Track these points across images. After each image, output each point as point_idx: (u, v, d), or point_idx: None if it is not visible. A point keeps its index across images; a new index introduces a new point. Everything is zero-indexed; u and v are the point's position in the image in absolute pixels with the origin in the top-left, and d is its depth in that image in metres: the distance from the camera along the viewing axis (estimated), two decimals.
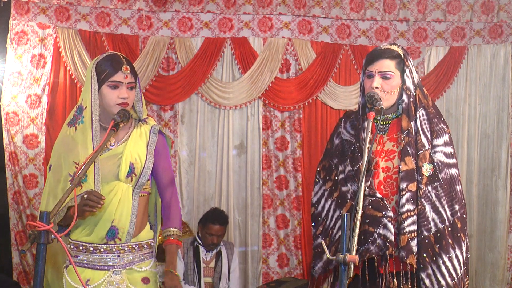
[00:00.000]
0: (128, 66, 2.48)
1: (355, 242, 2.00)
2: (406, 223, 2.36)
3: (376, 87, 2.41)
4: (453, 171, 2.45)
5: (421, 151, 2.42)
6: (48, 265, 2.62)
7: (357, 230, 2.01)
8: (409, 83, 2.45)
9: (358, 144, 2.50)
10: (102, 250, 2.45)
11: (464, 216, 2.46)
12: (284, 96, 5.25)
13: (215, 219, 4.42)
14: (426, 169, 2.41)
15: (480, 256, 5.36)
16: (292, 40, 5.26)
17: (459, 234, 2.42)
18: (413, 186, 2.39)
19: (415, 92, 2.46)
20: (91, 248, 2.45)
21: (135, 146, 2.51)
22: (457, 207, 2.43)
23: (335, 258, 1.91)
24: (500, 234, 5.30)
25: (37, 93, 4.89)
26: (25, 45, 4.86)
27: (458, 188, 2.44)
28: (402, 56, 2.46)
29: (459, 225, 2.43)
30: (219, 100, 5.22)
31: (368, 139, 2.23)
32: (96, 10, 5.02)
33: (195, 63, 5.14)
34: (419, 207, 2.38)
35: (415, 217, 2.38)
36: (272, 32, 5.24)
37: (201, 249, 4.42)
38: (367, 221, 2.36)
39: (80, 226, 2.48)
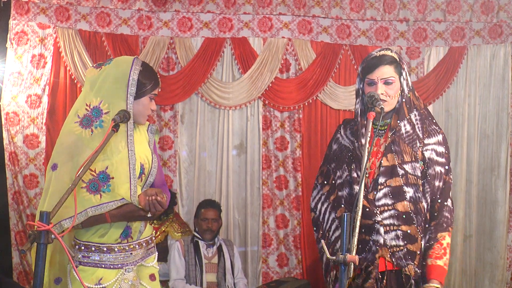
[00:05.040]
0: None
1: (355, 242, 2.00)
2: (382, 216, 2.44)
3: (381, 93, 2.47)
4: (439, 168, 2.51)
5: (415, 150, 2.49)
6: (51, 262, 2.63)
7: (357, 230, 2.01)
8: (404, 85, 2.52)
9: (355, 150, 2.58)
10: (116, 249, 2.47)
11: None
12: (284, 96, 5.26)
13: (206, 205, 4.63)
14: (418, 167, 2.48)
15: (479, 256, 5.36)
16: (292, 40, 5.26)
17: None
18: (392, 182, 2.45)
19: (408, 93, 2.53)
20: (105, 249, 2.46)
21: (141, 147, 2.53)
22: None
23: (334, 258, 1.91)
24: (500, 234, 5.31)
25: (37, 93, 4.90)
26: (25, 45, 4.86)
27: (437, 183, 2.50)
28: (398, 60, 2.53)
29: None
30: (219, 100, 5.22)
31: (368, 139, 2.24)
32: (96, 10, 5.02)
33: (195, 63, 5.14)
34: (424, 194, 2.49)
35: (392, 211, 2.44)
36: (272, 32, 5.24)
37: (201, 243, 4.44)
38: (363, 230, 2.43)
39: (92, 229, 2.46)
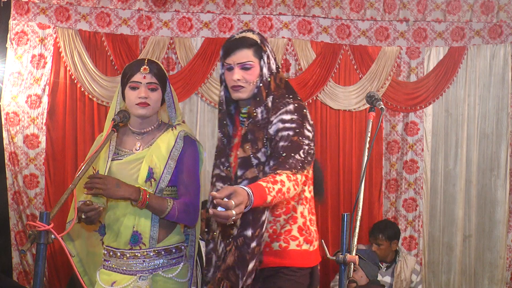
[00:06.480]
0: (148, 67, 2.49)
1: (355, 242, 2.00)
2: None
3: (238, 79, 2.30)
4: (286, 132, 2.20)
5: (265, 134, 2.26)
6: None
7: (357, 230, 2.01)
8: (265, 69, 2.33)
9: (224, 140, 2.43)
10: (128, 255, 2.46)
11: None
12: None
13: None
14: (265, 152, 2.25)
15: (479, 255, 5.36)
16: (292, 40, 5.26)
17: None
18: (248, 173, 2.24)
19: (269, 77, 2.33)
20: (118, 254, 2.47)
21: (157, 151, 2.49)
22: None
23: (334, 258, 1.91)
24: (499, 234, 5.31)
25: (37, 93, 4.90)
26: (25, 45, 4.86)
27: (281, 143, 2.18)
28: (259, 42, 2.34)
29: None
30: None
31: (368, 139, 2.22)
32: (96, 10, 5.02)
33: (195, 63, 5.14)
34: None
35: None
36: (272, 32, 5.24)
37: (202, 244, 4.45)
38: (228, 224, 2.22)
39: (108, 232, 2.52)
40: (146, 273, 2.46)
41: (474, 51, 5.36)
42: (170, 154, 2.49)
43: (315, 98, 5.29)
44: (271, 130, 2.23)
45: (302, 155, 2.16)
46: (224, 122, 2.44)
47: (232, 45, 2.32)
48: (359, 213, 2.06)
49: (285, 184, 2.06)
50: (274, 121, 2.24)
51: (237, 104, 2.42)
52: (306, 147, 2.18)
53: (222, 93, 2.44)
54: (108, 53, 5.02)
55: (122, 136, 2.57)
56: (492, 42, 5.34)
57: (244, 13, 5.20)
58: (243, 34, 2.35)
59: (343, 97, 5.31)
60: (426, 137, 5.39)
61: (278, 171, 2.08)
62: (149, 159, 2.47)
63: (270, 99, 2.30)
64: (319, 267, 2.46)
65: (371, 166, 5.34)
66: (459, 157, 5.34)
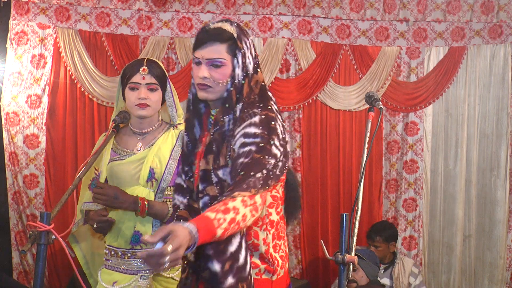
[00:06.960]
0: (147, 68, 2.50)
1: (354, 242, 2.00)
2: None
3: (205, 77, 1.97)
4: (248, 148, 1.89)
5: (228, 149, 1.96)
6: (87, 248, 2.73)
7: (356, 230, 2.01)
8: (238, 70, 1.98)
9: (189, 145, 2.11)
10: (129, 255, 2.48)
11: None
12: (284, 96, 5.26)
13: None
14: (230, 173, 1.96)
15: (478, 255, 5.37)
16: (292, 40, 5.26)
17: None
18: (210, 190, 1.97)
19: (243, 80, 1.99)
20: (120, 253, 2.49)
21: (159, 151, 2.51)
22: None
23: (333, 258, 1.91)
24: (499, 234, 5.31)
25: (37, 93, 4.90)
26: (25, 45, 4.86)
27: (241, 160, 1.88)
28: (236, 36, 1.98)
29: None
30: None
31: (367, 139, 2.22)
32: (96, 10, 5.02)
33: None
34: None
35: None
36: (272, 32, 5.25)
37: None
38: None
39: (109, 232, 2.53)
40: (147, 273, 2.47)
41: (474, 51, 5.36)
42: (171, 154, 2.51)
43: (315, 98, 5.29)
44: (235, 146, 1.92)
45: (265, 173, 1.84)
46: (192, 124, 2.10)
47: (204, 37, 1.98)
48: (358, 213, 2.06)
49: (240, 211, 1.74)
50: (237, 136, 1.93)
51: (207, 103, 2.09)
52: (272, 165, 1.87)
53: (191, 88, 2.10)
54: (108, 53, 5.02)
55: (123, 136, 2.58)
56: (492, 42, 5.34)
57: (244, 13, 5.20)
58: (219, 25, 1.99)
59: (343, 97, 5.31)
60: (426, 137, 5.39)
61: (233, 194, 1.76)
62: (150, 159, 2.48)
63: (239, 106, 1.97)
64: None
65: (371, 166, 5.34)
66: (459, 157, 5.34)
